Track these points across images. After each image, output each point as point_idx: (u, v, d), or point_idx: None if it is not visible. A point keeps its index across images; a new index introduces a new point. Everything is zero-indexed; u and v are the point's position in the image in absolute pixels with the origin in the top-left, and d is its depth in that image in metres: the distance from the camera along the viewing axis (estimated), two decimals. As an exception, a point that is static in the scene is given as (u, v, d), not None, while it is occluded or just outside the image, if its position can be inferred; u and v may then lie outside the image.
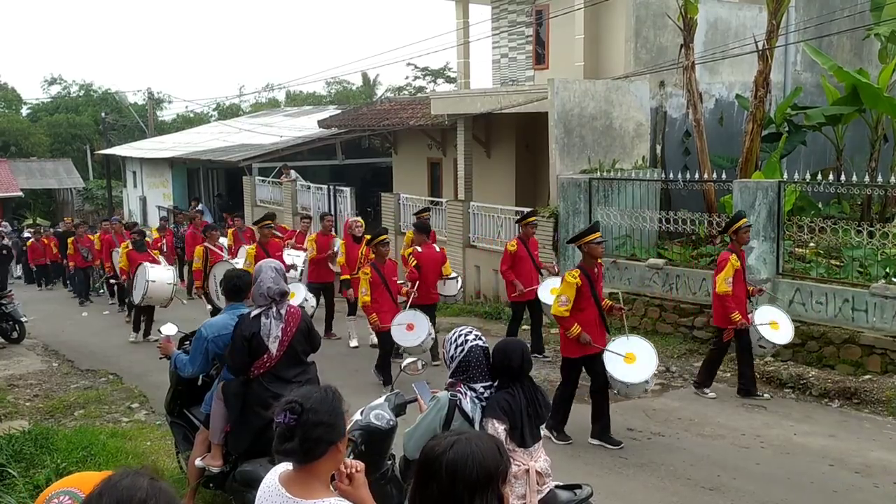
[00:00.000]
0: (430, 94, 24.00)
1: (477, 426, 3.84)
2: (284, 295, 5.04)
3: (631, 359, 6.82)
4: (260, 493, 2.50)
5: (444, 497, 2.14)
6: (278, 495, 2.43)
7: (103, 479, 1.86)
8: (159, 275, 11.65)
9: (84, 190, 42.12)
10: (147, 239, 14.34)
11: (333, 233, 12.03)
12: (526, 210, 13.17)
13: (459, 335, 4.09)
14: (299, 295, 10.12)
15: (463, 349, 4.02)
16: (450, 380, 4.13)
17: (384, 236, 9.15)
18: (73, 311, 16.35)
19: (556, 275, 9.95)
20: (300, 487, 2.41)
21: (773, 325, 8.17)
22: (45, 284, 21.31)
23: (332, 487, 2.53)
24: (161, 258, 13.01)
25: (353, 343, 11.13)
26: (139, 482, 1.83)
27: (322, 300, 11.54)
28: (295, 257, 11.88)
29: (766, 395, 8.29)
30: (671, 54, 13.30)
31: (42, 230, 23.18)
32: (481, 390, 4.00)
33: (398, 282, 9.67)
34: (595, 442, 6.97)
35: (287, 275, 10.73)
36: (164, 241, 15.88)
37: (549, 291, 9.64)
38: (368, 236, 10.67)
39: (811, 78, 15.02)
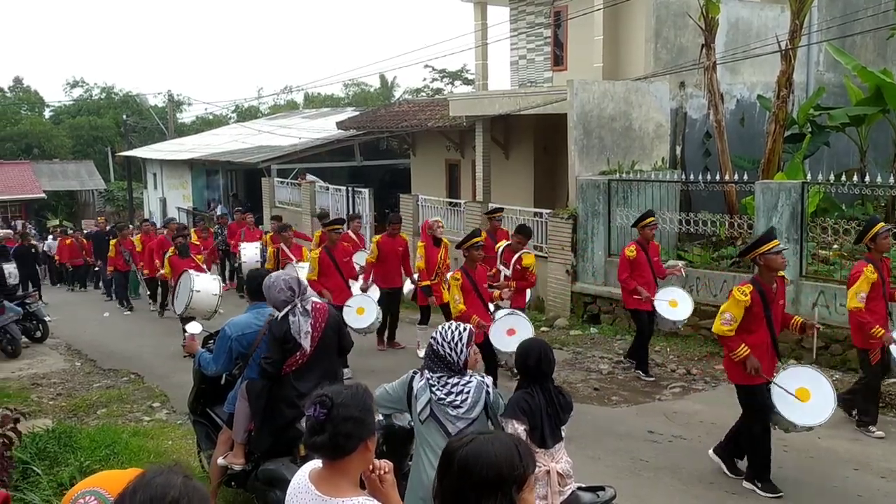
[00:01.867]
0: (448, 95, 24.02)
1: (420, 404, 3.86)
2: (300, 283, 5.04)
3: (804, 395, 5.83)
4: (290, 490, 2.52)
5: (454, 493, 2.14)
6: (307, 492, 2.44)
7: (137, 476, 1.86)
8: (205, 285, 10.56)
9: (105, 191, 42.63)
10: (194, 241, 14.11)
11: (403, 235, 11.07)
12: (545, 211, 13.18)
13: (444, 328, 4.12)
14: (370, 312, 9.63)
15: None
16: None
17: (478, 238, 8.11)
18: (95, 312, 16.51)
19: (682, 276, 9.50)
20: (329, 485, 2.42)
21: None
22: (78, 286, 20.80)
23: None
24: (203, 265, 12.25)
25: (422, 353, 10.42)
26: (173, 480, 1.83)
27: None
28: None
29: (879, 432, 7.13)
30: (692, 55, 13.22)
31: (74, 230, 22.85)
32: (431, 378, 3.95)
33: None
34: (749, 486, 6.02)
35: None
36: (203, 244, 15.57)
37: (669, 304, 8.93)
38: (446, 239, 10.36)
39: (834, 78, 14.87)
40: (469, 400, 3.85)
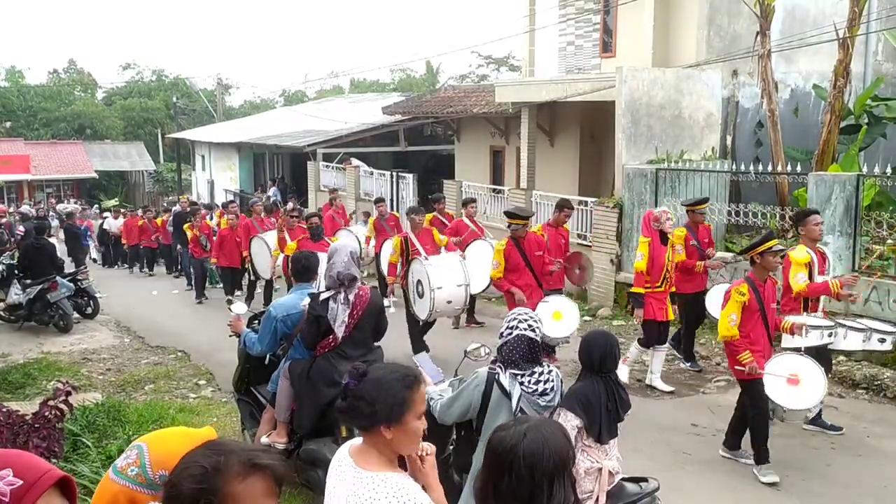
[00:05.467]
0: (494, 81, 23.89)
1: (514, 402, 3.78)
2: (354, 280, 5.07)
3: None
4: (332, 463, 2.59)
5: (522, 487, 2.12)
6: (346, 465, 2.50)
7: (186, 454, 1.86)
8: None
9: (155, 172, 43.47)
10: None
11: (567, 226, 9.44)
12: (590, 200, 13.00)
13: (514, 318, 3.98)
14: (570, 317, 7.93)
15: (511, 333, 3.93)
16: (492, 357, 4.14)
17: (774, 241, 6.09)
18: (144, 290, 16.88)
19: None
20: (364, 459, 2.48)
21: None
22: (144, 269, 20.00)
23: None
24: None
25: (665, 387, 8.18)
26: (207, 461, 1.77)
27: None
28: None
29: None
30: (745, 42, 12.92)
31: (145, 211, 22.03)
32: (518, 375, 3.88)
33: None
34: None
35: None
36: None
37: None
38: (673, 235, 8.23)
39: (893, 68, 14.43)
40: (555, 387, 3.89)
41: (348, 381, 2.52)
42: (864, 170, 10.50)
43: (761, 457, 5.99)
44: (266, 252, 12.47)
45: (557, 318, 7.84)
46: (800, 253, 6.81)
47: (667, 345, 8.39)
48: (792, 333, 6.19)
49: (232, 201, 16.23)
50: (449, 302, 8.74)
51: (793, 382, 5.79)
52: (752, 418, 6.06)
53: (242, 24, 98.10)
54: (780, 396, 5.82)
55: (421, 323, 8.98)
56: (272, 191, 24.79)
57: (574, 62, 16.64)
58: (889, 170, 10.43)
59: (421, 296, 8.84)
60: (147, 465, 2.20)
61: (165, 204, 27.09)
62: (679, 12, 13.86)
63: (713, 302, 8.10)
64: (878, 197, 11.20)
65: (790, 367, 5.85)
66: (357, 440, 2.60)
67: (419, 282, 8.87)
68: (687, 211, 8.94)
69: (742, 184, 12.40)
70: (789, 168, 11.17)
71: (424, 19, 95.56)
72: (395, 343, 7.18)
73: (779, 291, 6.72)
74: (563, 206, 9.35)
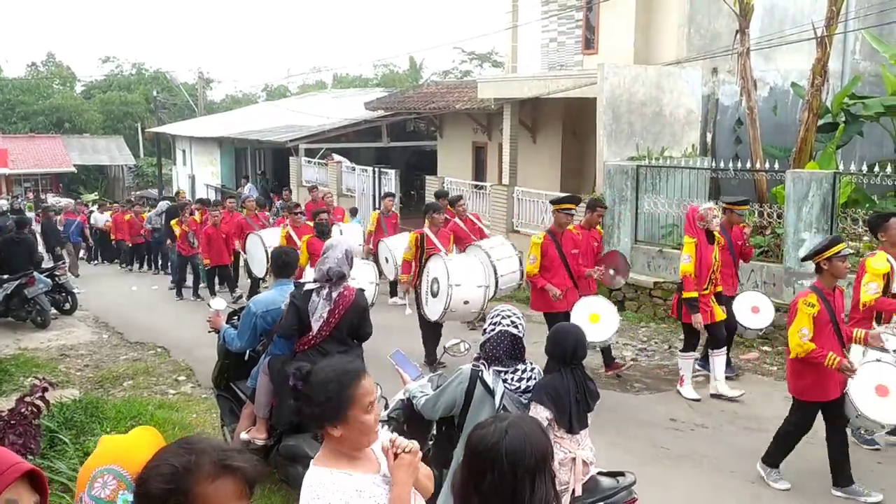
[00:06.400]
0: (477, 77, 23.92)
1: (497, 399, 3.81)
2: (342, 278, 5.05)
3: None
4: None
5: (504, 485, 2.11)
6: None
7: (154, 455, 1.80)
8: (362, 273, 8.98)
9: (135, 167, 43.05)
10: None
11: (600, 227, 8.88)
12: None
13: (498, 314, 4.01)
14: (609, 319, 7.60)
15: (494, 329, 3.96)
16: (475, 354, 4.16)
17: (843, 244, 5.57)
18: (123, 285, 16.74)
19: None
20: (320, 454, 2.51)
21: None
22: (142, 265, 19.46)
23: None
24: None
25: (734, 393, 7.73)
26: (178, 461, 1.74)
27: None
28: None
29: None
30: (725, 40, 13.02)
31: (133, 204, 21.55)
32: (502, 373, 3.92)
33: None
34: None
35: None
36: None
37: None
38: (720, 233, 7.69)
39: (870, 67, 14.57)
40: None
41: (294, 383, 2.53)
42: (841, 167, 10.62)
43: (772, 459, 5.86)
44: (261, 250, 12.25)
45: (594, 320, 7.46)
46: (878, 261, 6.22)
47: (723, 348, 7.85)
48: (865, 342, 5.77)
49: (231, 197, 15.93)
50: (466, 302, 8.23)
51: (882, 392, 5.36)
52: (787, 431, 5.78)
53: (224, 17, 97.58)
54: (867, 406, 5.34)
55: (430, 325, 8.56)
56: (247, 188, 24.56)
57: (556, 59, 16.69)
58: (865, 167, 10.53)
59: (435, 294, 8.35)
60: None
61: (132, 198, 26.75)
62: (660, 10, 13.95)
63: (740, 309, 8.05)
64: (854, 194, 11.33)
65: (879, 376, 5.41)
66: None
67: (435, 279, 8.39)
68: (724, 209, 8.25)
69: (721, 181, 12.52)
70: (767, 165, 11.27)
71: (408, 15, 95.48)
72: (392, 344, 7.13)
73: (847, 299, 6.23)
74: (596, 206, 8.64)
